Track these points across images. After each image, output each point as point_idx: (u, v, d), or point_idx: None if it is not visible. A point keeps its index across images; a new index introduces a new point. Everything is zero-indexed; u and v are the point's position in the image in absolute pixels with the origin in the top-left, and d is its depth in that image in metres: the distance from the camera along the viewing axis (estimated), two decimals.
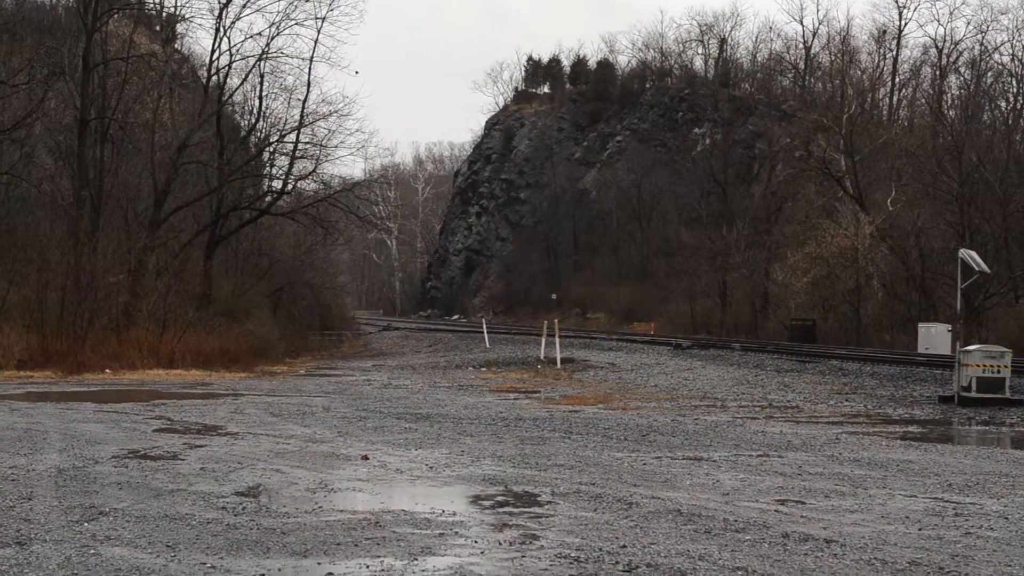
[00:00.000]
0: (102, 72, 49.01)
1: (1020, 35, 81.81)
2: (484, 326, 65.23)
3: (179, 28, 62.19)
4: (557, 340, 46.98)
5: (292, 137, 56.97)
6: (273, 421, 22.55)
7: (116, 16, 54.59)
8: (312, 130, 56.78)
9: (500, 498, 13.62)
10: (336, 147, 70.54)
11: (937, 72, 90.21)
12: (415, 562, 10.01)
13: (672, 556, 10.28)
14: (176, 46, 64.64)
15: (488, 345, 56.90)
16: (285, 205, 60.16)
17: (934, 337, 47.22)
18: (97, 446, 17.75)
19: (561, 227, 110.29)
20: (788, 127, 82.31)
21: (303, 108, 55.99)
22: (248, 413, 24.23)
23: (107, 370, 38.04)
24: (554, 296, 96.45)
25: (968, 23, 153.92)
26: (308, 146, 57.16)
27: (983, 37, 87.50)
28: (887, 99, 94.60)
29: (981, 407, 27.73)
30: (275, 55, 54.93)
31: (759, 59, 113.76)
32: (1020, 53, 79.71)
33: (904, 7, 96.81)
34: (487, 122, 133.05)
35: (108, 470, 15.19)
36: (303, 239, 64.56)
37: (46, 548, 10.33)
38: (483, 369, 44.03)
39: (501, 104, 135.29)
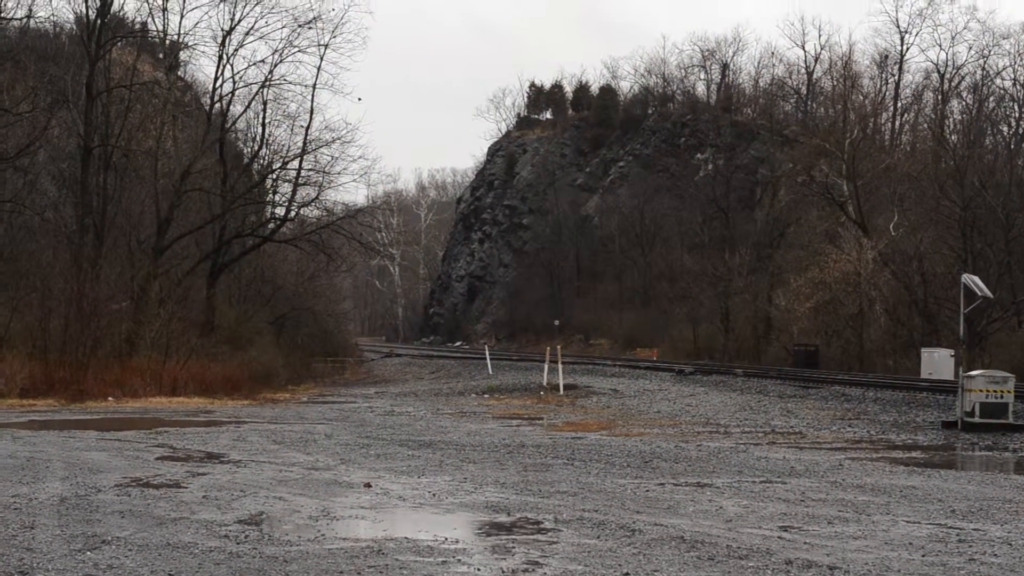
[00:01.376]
0: (105, 100, 49.15)
1: (1022, 60, 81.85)
2: (487, 353, 65.19)
3: (182, 56, 62.44)
4: (560, 366, 46.95)
5: (295, 164, 57.09)
6: (276, 449, 22.54)
7: (119, 44, 54.79)
8: (315, 157, 56.93)
9: (503, 525, 13.60)
10: (339, 174, 70.27)
11: (939, 97, 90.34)
12: None
13: None
14: (179, 73, 64.85)
15: (491, 372, 56.89)
16: (288, 232, 60.20)
17: (937, 362, 47.18)
18: (99, 474, 17.74)
19: (564, 253, 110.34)
20: (790, 152, 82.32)
21: (306, 135, 56.16)
22: (251, 441, 24.21)
23: (110, 398, 38.02)
24: (557, 322, 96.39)
25: (970, 48, 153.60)
26: (311, 173, 57.30)
27: (985, 62, 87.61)
28: (889, 124, 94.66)
29: (984, 433, 27.71)
30: (278, 82, 55.18)
31: (761, 84, 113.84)
32: (1022, 78, 79.88)
33: (906, 32, 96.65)
34: (489, 148, 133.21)
35: (110, 498, 15.18)
36: (306, 266, 64.57)
37: None
38: (486, 396, 44.00)
39: (503, 130, 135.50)
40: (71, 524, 13.18)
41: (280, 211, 60.02)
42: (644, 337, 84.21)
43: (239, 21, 54.18)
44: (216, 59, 55.63)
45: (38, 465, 18.92)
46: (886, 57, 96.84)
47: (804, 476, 18.65)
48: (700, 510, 14.74)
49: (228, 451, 21.89)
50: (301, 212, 59.65)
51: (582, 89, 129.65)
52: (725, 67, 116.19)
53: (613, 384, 46.75)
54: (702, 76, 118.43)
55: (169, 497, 15.42)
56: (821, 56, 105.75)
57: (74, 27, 56.55)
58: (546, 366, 48.15)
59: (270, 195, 61.82)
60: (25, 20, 54.55)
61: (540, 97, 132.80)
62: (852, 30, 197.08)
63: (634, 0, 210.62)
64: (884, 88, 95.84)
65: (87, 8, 49.58)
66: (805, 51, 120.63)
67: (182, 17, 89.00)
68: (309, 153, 56.45)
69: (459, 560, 11.37)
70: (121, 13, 54.69)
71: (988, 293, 32.40)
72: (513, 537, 12.79)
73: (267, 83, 54.69)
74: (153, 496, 15.50)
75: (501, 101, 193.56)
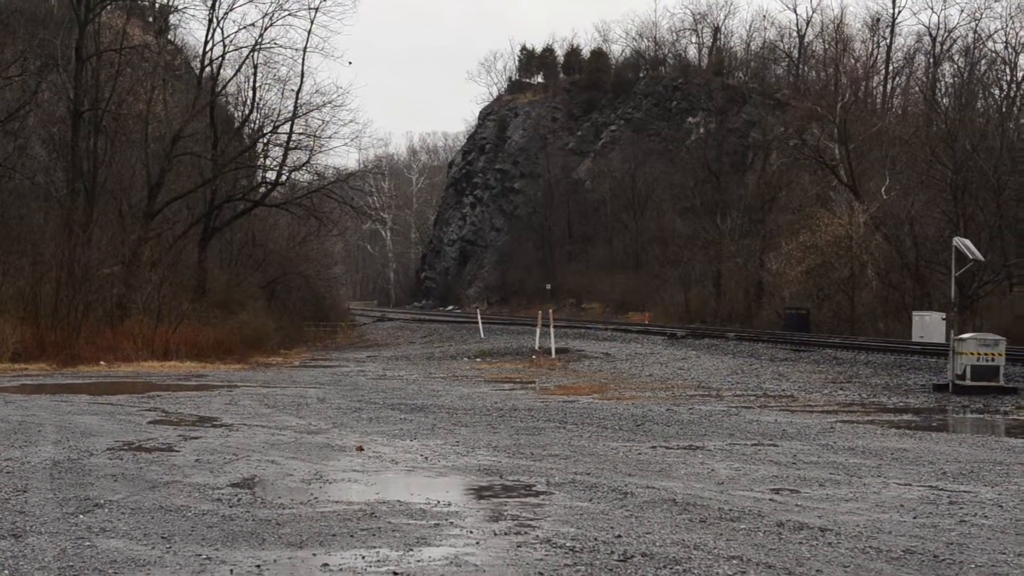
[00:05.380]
0: (95, 63, 48.90)
1: (1013, 22, 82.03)
2: (479, 316, 65.22)
3: (172, 19, 62.33)
4: (552, 330, 46.98)
5: (286, 128, 56.99)
6: (268, 412, 22.55)
7: (109, 7, 54.48)
8: (306, 121, 56.82)
9: (495, 488, 13.63)
10: (330, 138, 70.50)
11: (931, 60, 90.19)
12: (410, 553, 10.03)
13: (667, 545, 10.30)
14: (169, 37, 64.58)
15: (483, 336, 56.89)
16: (279, 196, 60.08)
17: (928, 325, 47.26)
18: (92, 438, 17.75)
19: (555, 217, 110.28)
20: (782, 116, 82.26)
21: (297, 99, 56.03)
22: (243, 404, 24.23)
23: (102, 362, 38.01)
24: (548, 286, 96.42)
25: (962, 11, 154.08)
26: (302, 137, 57.22)
27: (976, 25, 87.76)
28: (881, 87, 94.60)
29: (975, 395, 27.80)
30: (268, 46, 54.95)
31: (753, 48, 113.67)
32: (1013, 40, 79.62)
33: None
34: (481, 112, 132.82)
35: (103, 462, 15.19)
36: (297, 230, 64.49)
37: (41, 540, 10.34)
38: (478, 360, 44.02)
39: (495, 94, 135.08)
40: (64, 487, 13.19)
41: (271, 175, 60.03)
42: (636, 301, 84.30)
43: None
44: (206, 22, 55.69)
45: (30, 429, 18.92)
46: (878, 20, 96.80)
47: (795, 439, 18.70)
48: (692, 473, 14.77)
49: (220, 415, 21.91)
50: (292, 176, 59.63)
51: (573, 53, 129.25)
52: (717, 30, 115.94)
53: (605, 348, 46.79)
54: (693, 40, 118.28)
55: (161, 461, 15.44)
56: (813, 19, 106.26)
57: None
58: (538, 330, 48.19)
59: (261, 159, 61.77)
60: None
61: (531, 61, 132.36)
62: None
63: None
64: (876, 51, 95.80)
65: None
66: (797, 14, 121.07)
67: None
68: (300, 117, 56.38)
69: (451, 523, 11.40)
70: None
71: (979, 256, 32.43)
72: (505, 500, 12.82)
73: (257, 47, 54.52)
74: (145, 460, 15.52)
75: (492, 65, 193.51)
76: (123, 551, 9.97)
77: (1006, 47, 78.94)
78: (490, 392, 29.10)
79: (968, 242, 32.33)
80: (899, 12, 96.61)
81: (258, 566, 9.53)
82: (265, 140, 59.31)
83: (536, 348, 46.27)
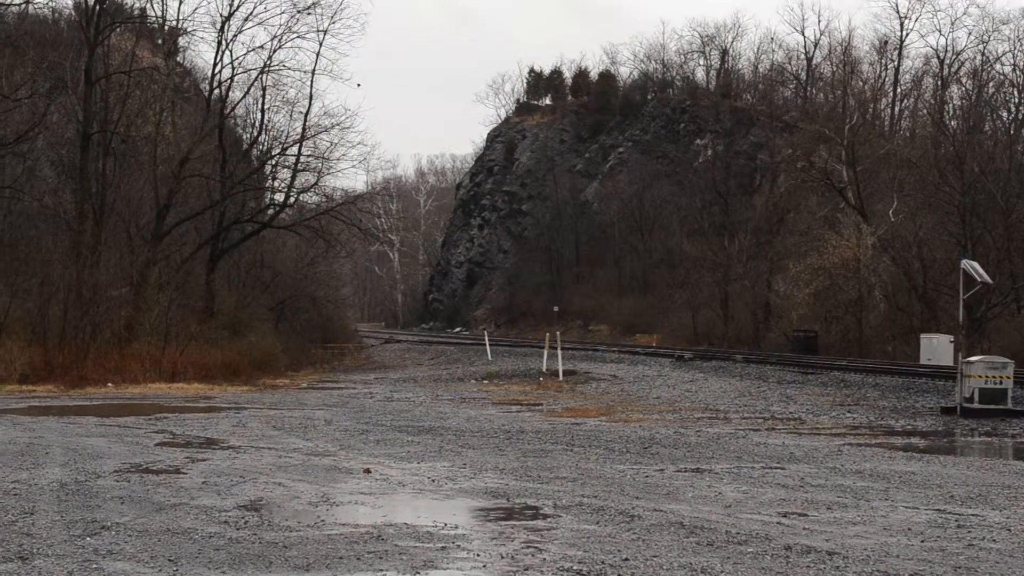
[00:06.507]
0: (104, 86, 49.06)
1: (1021, 45, 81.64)
2: (486, 338, 65.19)
3: (181, 41, 62.43)
4: (559, 352, 46.95)
5: (294, 150, 57.08)
6: (275, 435, 22.55)
7: (118, 30, 54.66)
8: (314, 143, 56.90)
9: (502, 511, 13.62)
10: (338, 160, 70.27)
11: (939, 82, 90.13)
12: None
13: (674, 569, 10.29)
14: (178, 59, 64.79)
15: (490, 357, 56.88)
16: (287, 218, 60.16)
17: (936, 348, 47.14)
18: (99, 460, 17.75)
19: (563, 239, 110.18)
20: (790, 138, 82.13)
21: (305, 121, 56.13)
22: (250, 427, 24.23)
23: (109, 384, 38.03)
24: (556, 308, 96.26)
25: (969, 33, 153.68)
26: (310, 159, 57.28)
27: (984, 47, 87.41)
28: (889, 110, 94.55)
29: (984, 418, 27.74)
30: (277, 68, 55.10)
31: (760, 70, 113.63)
32: (1021, 63, 79.63)
33: (905, 18, 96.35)
34: (489, 134, 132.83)
35: (110, 484, 15.19)
36: (305, 252, 64.52)
37: (48, 563, 10.34)
38: (485, 381, 44.01)
39: (503, 116, 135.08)
40: (71, 510, 13.20)
41: (279, 197, 60.09)
42: (643, 323, 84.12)
43: (238, 7, 54.16)
44: (215, 45, 55.62)
45: (38, 451, 18.94)
46: (886, 43, 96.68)
47: (803, 462, 18.67)
48: (699, 496, 14.75)
49: (228, 437, 21.91)
50: (300, 198, 59.68)
51: (581, 75, 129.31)
52: (724, 53, 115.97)
53: (612, 370, 46.76)
54: (701, 62, 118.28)
55: (169, 483, 15.44)
56: (820, 42, 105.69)
57: (73, 13, 56.52)
58: (545, 352, 48.16)
59: (269, 181, 61.92)
60: (24, 6, 54.55)
61: (539, 83, 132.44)
62: (852, 16, 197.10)
63: None
64: (884, 74, 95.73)
65: None
66: (804, 37, 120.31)
67: (181, 3, 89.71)
68: (308, 139, 56.47)
69: (459, 546, 11.39)
70: None
71: (987, 279, 32.41)
72: (512, 523, 12.81)
73: (266, 69, 54.68)
74: (153, 482, 15.52)
75: (500, 87, 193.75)
76: (130, 573, 9.98)
77: (1014, 69, 79.07)
78: (497, 414, 29.09)
79: (976, 264, 32.32)
80: (907, 35, 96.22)
81: None
82: (273, 162, 59.51)
83: (543, 370, 46.26)
